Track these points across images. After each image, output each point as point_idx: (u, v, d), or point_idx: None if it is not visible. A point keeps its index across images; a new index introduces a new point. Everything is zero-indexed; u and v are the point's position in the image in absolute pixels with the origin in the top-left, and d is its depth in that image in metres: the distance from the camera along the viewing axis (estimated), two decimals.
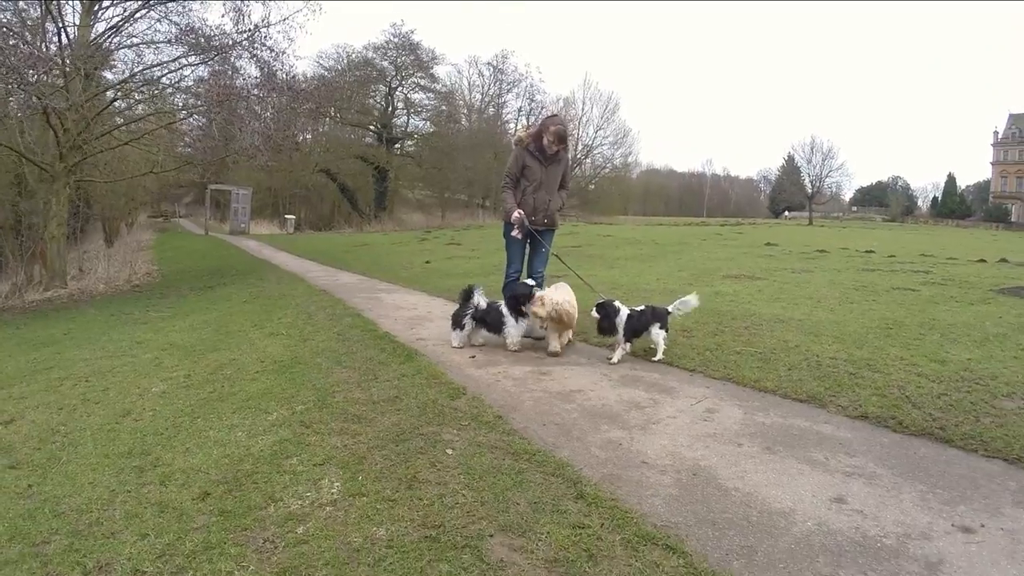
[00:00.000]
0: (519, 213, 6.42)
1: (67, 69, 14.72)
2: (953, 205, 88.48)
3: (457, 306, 6.42)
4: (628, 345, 5.70)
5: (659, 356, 5.61)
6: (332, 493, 3.14)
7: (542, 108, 61.87)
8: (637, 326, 5.64)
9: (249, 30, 16.36)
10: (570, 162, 6.90)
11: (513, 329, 6.05)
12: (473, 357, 5.81)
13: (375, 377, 5.12)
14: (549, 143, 6.41)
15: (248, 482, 3.37)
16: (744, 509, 2.91)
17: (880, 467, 3.40)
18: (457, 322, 6.26)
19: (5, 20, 14.67)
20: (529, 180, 6.54)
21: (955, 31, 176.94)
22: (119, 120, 18.64)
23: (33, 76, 13.78)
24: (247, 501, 3.16)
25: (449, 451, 3.54)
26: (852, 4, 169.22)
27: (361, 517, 2.90)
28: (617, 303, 5.73)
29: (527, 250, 6.85)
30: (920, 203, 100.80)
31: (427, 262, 15.97)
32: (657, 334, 5.65)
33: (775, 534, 2.70)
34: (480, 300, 6.21)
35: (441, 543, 2.64)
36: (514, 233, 6.53)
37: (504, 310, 6.07)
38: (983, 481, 3.25)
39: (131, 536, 2.99)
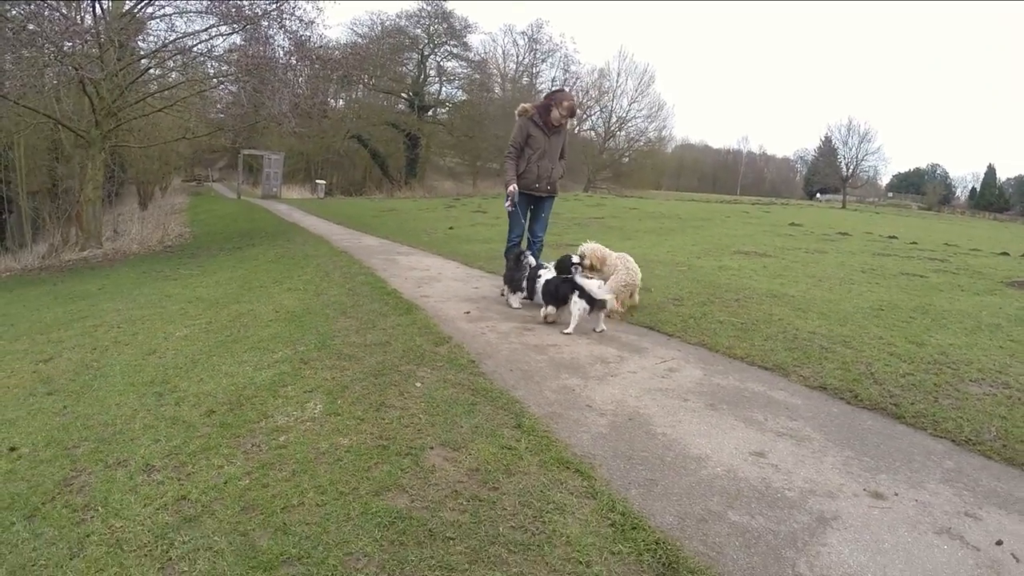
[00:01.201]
0: (514, 187, 6.91)
1: (102, 40, 15.23)
2: (992, 197, 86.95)
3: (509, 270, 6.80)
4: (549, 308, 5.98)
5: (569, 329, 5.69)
6: (314, 413, 3.73)
7: (576, 79, 61.72)
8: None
9: (278, 2, 16.76)
10: (566, 134, 7.25)
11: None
12: (467, 312, 6.30)
13: (373, 326, 5.66)
14: (560, 116, 6.85)
15: (247, 403, 3.99)
16: (662, 451, 3.35)
17: (816, 432, 3.71)
18: (516, 285, 6.61)
19: None
20: (533, 149, 6.98)
21: (1006, 19, 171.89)
22: (152, 88, 19.24)
23: (69, 48, 14.36)
24: (244, 417, 3.78)
25: (418, 384, 4.09)
26: None
27: (332, 430, 3.49)
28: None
29: (528, 216, 7.34)
30: (958, 193, 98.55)
31: (450, 228, 16.45)
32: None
33: (681, 473, 3.12)
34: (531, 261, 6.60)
35: (389, 451, 3.22)
36: (506, 205, 7.05)
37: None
38: (919, 456, 3.44)
39: (146, 441, 3.63)
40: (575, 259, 6.38)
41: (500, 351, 5.00)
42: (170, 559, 2.47)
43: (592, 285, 5.54)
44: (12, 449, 3.83)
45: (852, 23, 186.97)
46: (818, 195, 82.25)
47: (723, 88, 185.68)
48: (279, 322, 6.14)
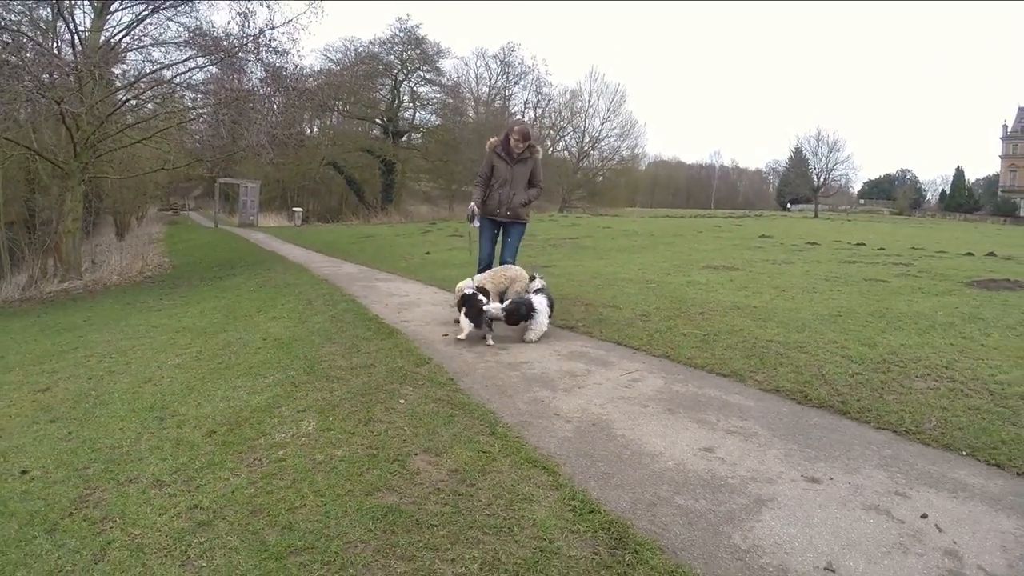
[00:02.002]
0: (473, 205, 7.52)
1: (81, 72, 15.52)
2: (961, 199, 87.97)
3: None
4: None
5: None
6: (308, 429, 4.11)
7: (548, 100, 62.84)
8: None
9: (254, 34, 17.17)
10: (539, 162, 7.66)
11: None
12: (446, 335, 6.66)
13: (358, 350, 6.04)
14: (515, 142, 7.30)
15: (246, 424, 4.35)
16: (620, 450, 3.75)
17: (763, 429, 4.09)
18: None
19: (14, 21, 15.58)
20: (496, 178, 7.47)
21: (963, 26, 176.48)
22: (130, 119, 19.47)
23: (49, 80, 14.61)
24: (244, 435, 4.15)
25: (402, 401, 4.49)
26: None
27: (326, 443, 3.87)
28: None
29: (497, 243, 7.80)
30: (929, 196, 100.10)
31: (427, 253, 16.80)
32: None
33: (636, 467, 3.52)
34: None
35: (379, 458, 3.62)
36: (473, 222, 7.61)
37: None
38: (858, 446, 3.80)
39: (154, 460, 3.98)
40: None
41: (476, 369, 5.38)
42: (189, 557, 2.83)
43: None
44: (24, 472, 4.14)
45: (818, 35, 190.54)
46: (789, 205, 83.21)
47: (694, 104, 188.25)
48: (267, 349, 6.49)
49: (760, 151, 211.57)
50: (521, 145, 7.35)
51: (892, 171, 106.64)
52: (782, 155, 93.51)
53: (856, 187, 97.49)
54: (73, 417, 5.25)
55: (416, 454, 3.66)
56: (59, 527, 3.32)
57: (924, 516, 3.01)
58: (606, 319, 7.22)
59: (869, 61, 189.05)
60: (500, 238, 7.80)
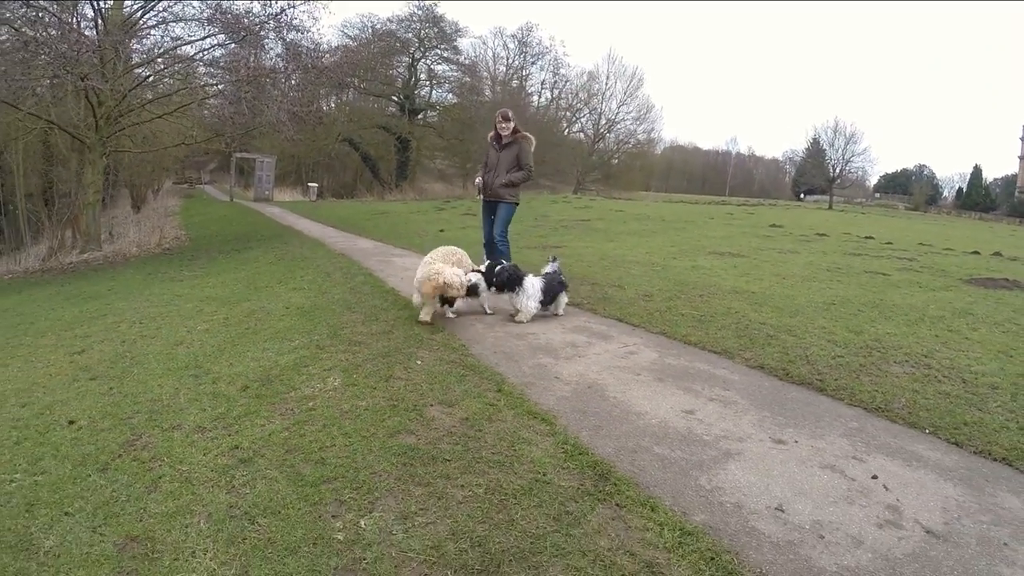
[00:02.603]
0: (478, 179, 8.75)
1: (104, 49, 15.90)
2: (978, 197, 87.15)
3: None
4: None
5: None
6: (334, 384, 4.61)
7: (566, 82, 62.82)
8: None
9: (275, 13, 17.52)
10: (524, 147, 8.36)
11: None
12: (463, 311, 7.10)
13: (376, 318, 6.54)
14: (497, 124, 8.36)
15: (276, 380, 4.84)
16: (611, 408, 4.25)
17: (743, 398, 4.56)
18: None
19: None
20: (487, 166, 8.56)
21: (988, 23, 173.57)
22: (150, 95, 19.84)
23: (74, 56, 15.03)
24: (275, 390, 4.64)
25: (418, 362, 5.00)
26: None
27: (351, 396, 4.38)
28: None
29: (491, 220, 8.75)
30: (945, 193, 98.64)
31: (441, 230, 17.26)
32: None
33: (623, 422, 4.02)
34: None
35: (398, 408, 4.14)
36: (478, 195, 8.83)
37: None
38: (828, 418, 4.23)
39: (193, 411, 4.46)
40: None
41: (486, 338, 5.89)
42: (234, 486, 3.32)
43: None
44: (71, 422, 4.61)
45: (842, 23, 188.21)
46: (803, 196, 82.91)
47: (712, 89, 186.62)
48: (291, 317, 6.98)
49: (778, 139, 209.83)
50: (503, 125, 8.31)
51: (910, 166, 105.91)
52: (800, 144, 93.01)
53: (873, 180, 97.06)
54: (112, 375, 5.73)
55: (431, 405, 4.17)
56: (110, 466, 3.78)
57: (875, 477, 3.44)
58: (610, 298, 7.68)
59: (893, 52, 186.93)
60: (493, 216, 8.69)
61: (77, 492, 3.50)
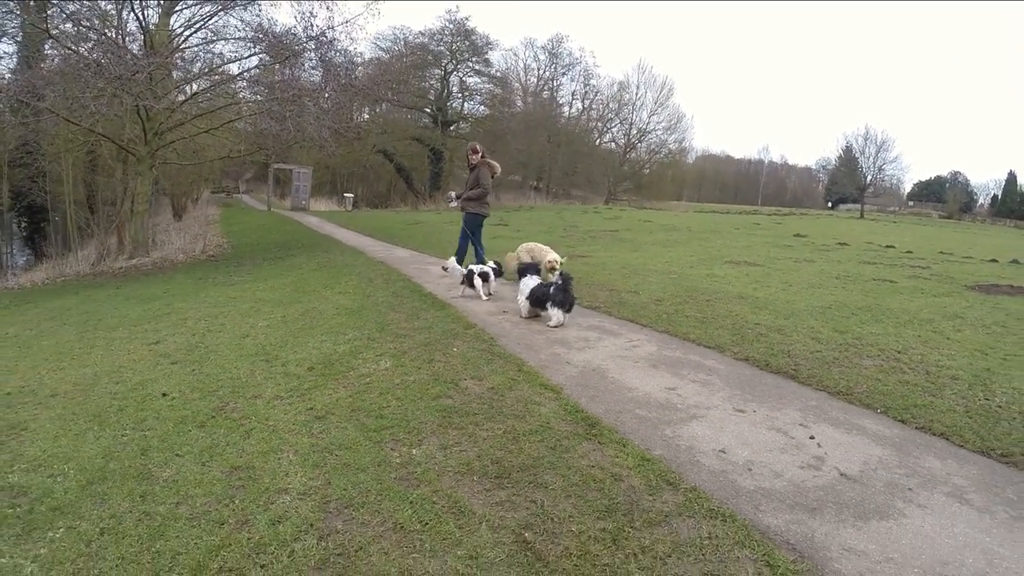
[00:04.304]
0: (451, 193, 12.01)
1: (153, 70, 17.21)
2: (1013, 204, 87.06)
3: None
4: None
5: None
6: (386, 366, 5.74)
7: (596, 92, 64.04)
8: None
9: (315, 36, 18.79)
10: (480, 171, 10.81)
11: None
12: (488, 309, 8.21)
13: (417, 317, 7.65)
14: (468, 154, 11.15)
15: (337, 363, 5.96)
16: (608, 384, 5.29)
17: (721, 381, 5.50)
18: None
19: (84, 13, 17.50)
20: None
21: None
22: (194, 110, 21.10)
23: (129, 77, 16.37)
24: (337, 370, 5.77)
25: (454, 350, 6.12)
26: None
27: (400, 373, 5.50)
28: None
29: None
30: (981, 201, 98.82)
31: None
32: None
33: (615, 394, 5.04)
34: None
35: (439, 381, 5.25)
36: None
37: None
38: (791, 397, 5.12)
39: (270, 386, 5.58)
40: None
41: (511, 333, 6.96)
42: (313, 434, 4.41)
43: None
44: (164, 395, 5.69)
45: (873, 29, 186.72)
46: (830, 205, 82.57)
47: (744, 97, 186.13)
48: (341, 316, 8.09)
49: (812, 147, 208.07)
50: (471, 156, 11.00)
51: (944, 173, 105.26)
52: (832, 152, 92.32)
53: (906, 188, 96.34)
54: (191, 360, 6.85)
55: (465, 379, 5.27)
56: (207, 424, 4.85)
57: (812, 437, 4.35)
58: (625, 302, 8.68)
59: (928, 56, 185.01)
60: None
61: (182, 441, 4.54)
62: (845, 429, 4.53)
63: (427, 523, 3.17)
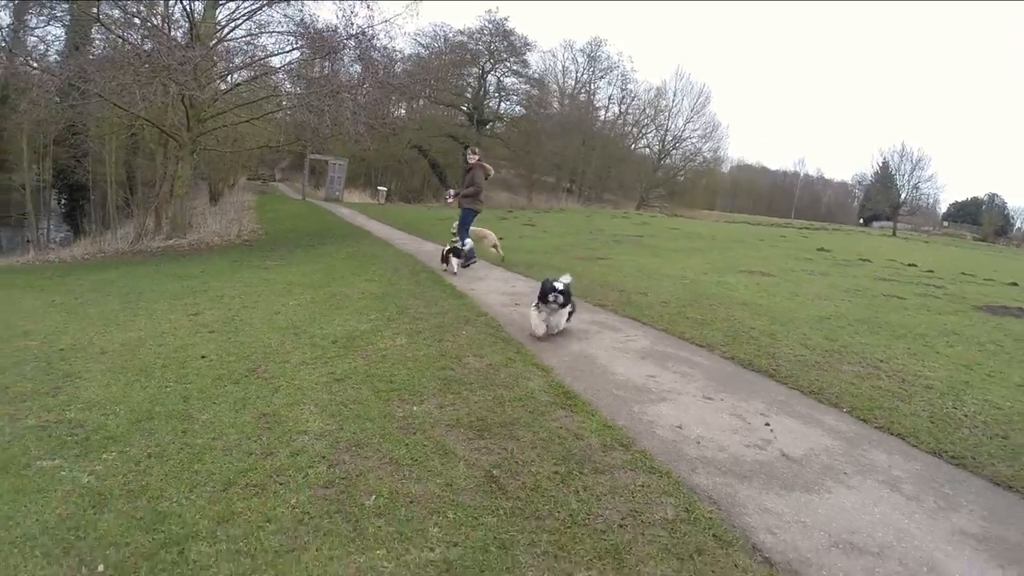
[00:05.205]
0: (450, 190, 13.38)
1: (198, 62, 18.04)
2: None
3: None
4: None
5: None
6: (401, 342, 6.47)
7: (633, 97, 64.41)
8: None
9: (356, 35, 19.55)
10: (475, 173, 12.04)
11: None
12: (503, 302, 8.87)
13: (435, 304, 8.35)
14: (467, 154, 12.47)
15: (358, 339, 6.70)
16: (594, 369, 5.92)
17: (701, 374, 6.00)
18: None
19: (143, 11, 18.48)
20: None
21: None
22: (236, 100, 22.23)
23: (178, 67, 17.24)
24: (357, 344, 6.51)
25: (463, 332, 6.82)
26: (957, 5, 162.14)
27: (413, 348, 6.24)
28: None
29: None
30: (1019, 224, 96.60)
31: (500, 238, 18.97)
32: None
33: (599, 377, 5.65)
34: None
35: (446, 356, 5.97)
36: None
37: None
38: (762, 392, 5.58)
39: (297, 354, 6.34)
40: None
41: (517, 321, 7.62)
42: (332, 392, 5.14)
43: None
44: (203, 357, 6.47)
45: (914, 44, 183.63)
46: (861, 221, 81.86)
47: (781, 109, 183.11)
48: (366, 299, 8.82)
49: (848, 162, 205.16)
50: (470, 156, 12.42)
51: (980, 194, 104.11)
52: (869, 168, 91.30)
53: (942, 208, 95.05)
54: (227, 331, 7.63)
55: (468, 356, 5.98)
56: (241, 382, 5.60)
57: (767, 424, 4.84)
58: (632, 302, 9.22)
59: (967, 75, 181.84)
60: None
61: (219, 393, 5.32)
62: (804, 421, 4.96)
63: (417, 460, 3.88)
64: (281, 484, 3.67)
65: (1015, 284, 17.10)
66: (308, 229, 22.55)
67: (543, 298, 6.69)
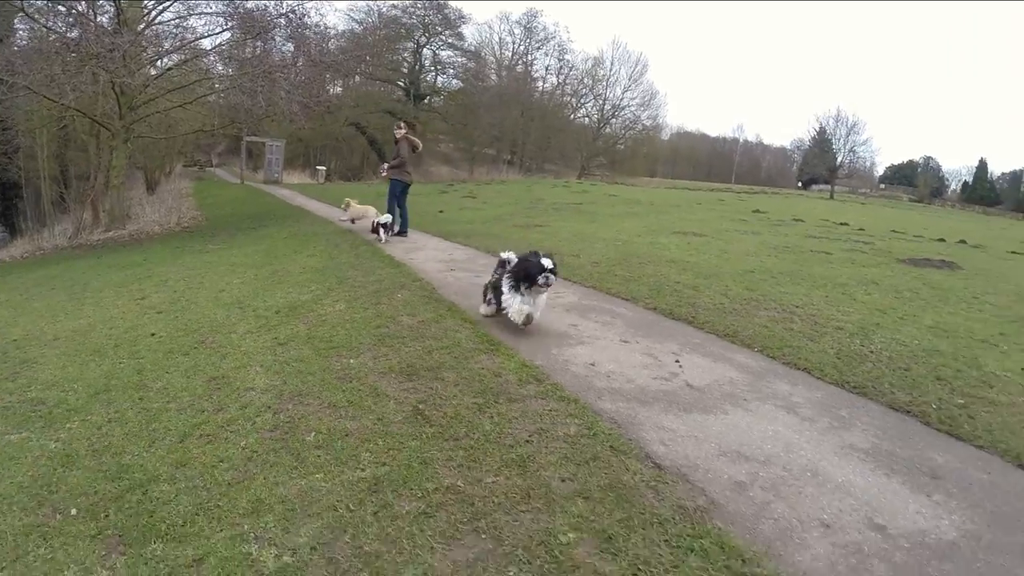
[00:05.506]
0: (384, 164, 13.90)
1: (127, 49, 17.74)
2: (983, 191, 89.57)
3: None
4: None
5: None
6: (340, 308, 6.89)
7: (571, 67, 65.01)
8: None
9: (287, 13, 19.52)
10: (400, 145, 13.12)
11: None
12: (439, 268, 9.29)
13: (373, 273, 8.74)
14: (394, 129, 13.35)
15: (300, 308, 7.11)
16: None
17: (621, 322, 6.46)
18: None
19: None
20: None
21: (1002, 19, 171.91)
22: (168, 85, 21.87)
23: (106, 55, 17.04)
24: (299, 312, 6.92)
25: (399, 296, 7.24)
26: None
27: (351, 312, 6.67)
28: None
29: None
30: (953, 186, 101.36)
31: (440, 211, 19.46)
32: None
33: (524, 328, 6.16)
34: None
35: (381, 317, 6.39)
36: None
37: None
38: (679, 335, 5.98)
39: (243, 325, 6.74)
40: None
41: (452, 284, 8.06)
42: (276, 354, 5.56)
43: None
44: (153, 334, 6.85)
45: (850, 10, 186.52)
46: (800, 185, 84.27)
47: (719, 76, 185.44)
48: (307, 273, 9.19)
49: (789, 127, 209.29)
50: (395, 131, 13.25)
51: (916, 157, 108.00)
52: (807, 133, 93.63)
53: (879, 171, 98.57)
54: (174, 311, 7.96)
55: (402, 316, 6.40)
56: (191, 352, 6.01)
57: (677, 361, 5.26)
58: (565, 264, 9.43)
59: (906, 40, 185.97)
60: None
61: (170, 364, 5.73)
62: (714, 359, 5.37)
63: (352, 402, 4.35)
64: (232, 432, 4.10)
65: (942, 240, 17.75)
66: (248, 212, 22.62)
67: (529, 280, 5.69)
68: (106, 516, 3.35)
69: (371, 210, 15.38)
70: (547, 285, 5.68)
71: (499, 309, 6.08)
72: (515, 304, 5.78)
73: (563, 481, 3.26)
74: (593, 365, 5.13)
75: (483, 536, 2.79)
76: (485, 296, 6.53)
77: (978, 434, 4.14)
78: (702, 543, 2.76)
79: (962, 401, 4.67)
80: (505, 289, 5.88)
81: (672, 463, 3.54)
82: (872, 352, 5.68)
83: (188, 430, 4.22)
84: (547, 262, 5.65)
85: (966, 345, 6.09)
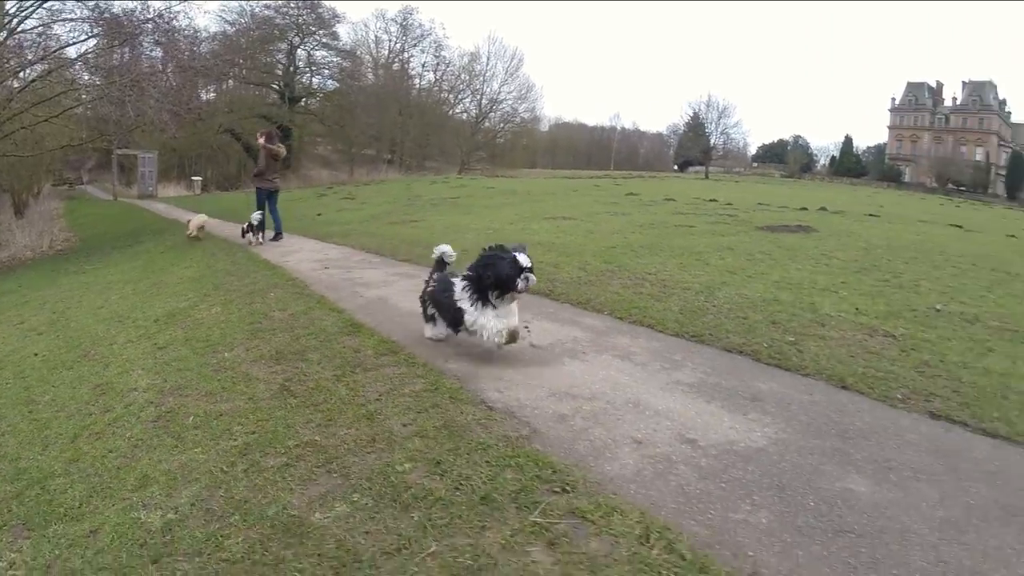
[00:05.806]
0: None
1: None
2: (850, 164, 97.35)
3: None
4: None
5: None
6: (216, 311, 7.32)
7: (448, 63, 65.58)
8: None
9: (154, 17, 19.40)
10: (261, 154, 13.43)
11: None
12: (313, 268, 9.75)
13: (247, 276, 9.14)
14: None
15: (178, 315, 7.50)
16: (385, 308, 6.91)
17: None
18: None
19: None
20: None
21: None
22: (33, 98, 21.09)
23: None
24: (177, 319, 7.32)
25: (271, 295, 7.69)
26: None
27: (227, 314, 7.10)
28: None
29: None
30: (822, 162, 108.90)
31: (319, 215, 19.75)
32: None
33: (386, 312, 6.58)
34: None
35: (255, 314, 6.83)
36: None
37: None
38: (534, 308, 6.46)
39: (123, 335, 7.12)
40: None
41: (323, 280, 8.53)
42: (157, 357, 5.98)
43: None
44: (36, 354, 7.17)
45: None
46: (676, 168, 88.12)
47: (594, 66, 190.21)
48: (184, 283, 9.52)
49: (664, 114, 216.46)
50: (257, 141, 13.37)
51: (786, 137, 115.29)
52: (681, 119, 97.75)
53: (752, 151, 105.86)
54: (55, 330, 8.24)
55: (274, 312, 6.86)
56: (74, 367, 6.37)
57: (526, 327, 5.45)
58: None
59: (772, 28, 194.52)
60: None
61: (56, 378, 6.10)
62: (560, 323, 5.80)
63: (226, 388, 4.84)
64: (119, 427, 4.55)
65: (804, 209, 19.12)
66: (123, 230, 22.33)
67: (503, 287, 4.65)
68: (9, 511, 3.76)
69: (202, 216, 16.03)
70: (526, 290, 4.68)
71: (456, 329, 5.08)
72: (488, 322, 4.71)
73: (404, 426, 3.83)
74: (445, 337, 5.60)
75: (334, 475, 3.36)
76: (426, 312, 5.55)
77: (805, 364, 4.64)
78: (518, 460, 3.33)
79: (792, 339, 5.20)
80: (466, 305, 4.78)
81: (504, 406, 4.05)
82: (714, 306, 6.22)
83: (78, 431, 4.65)
84: (523, 259, 4.61)
85: (808, 295, 6.67)
